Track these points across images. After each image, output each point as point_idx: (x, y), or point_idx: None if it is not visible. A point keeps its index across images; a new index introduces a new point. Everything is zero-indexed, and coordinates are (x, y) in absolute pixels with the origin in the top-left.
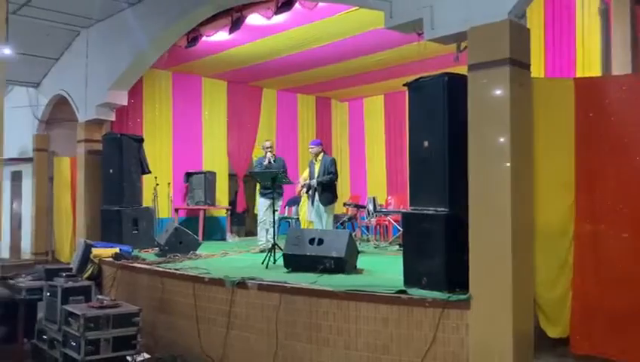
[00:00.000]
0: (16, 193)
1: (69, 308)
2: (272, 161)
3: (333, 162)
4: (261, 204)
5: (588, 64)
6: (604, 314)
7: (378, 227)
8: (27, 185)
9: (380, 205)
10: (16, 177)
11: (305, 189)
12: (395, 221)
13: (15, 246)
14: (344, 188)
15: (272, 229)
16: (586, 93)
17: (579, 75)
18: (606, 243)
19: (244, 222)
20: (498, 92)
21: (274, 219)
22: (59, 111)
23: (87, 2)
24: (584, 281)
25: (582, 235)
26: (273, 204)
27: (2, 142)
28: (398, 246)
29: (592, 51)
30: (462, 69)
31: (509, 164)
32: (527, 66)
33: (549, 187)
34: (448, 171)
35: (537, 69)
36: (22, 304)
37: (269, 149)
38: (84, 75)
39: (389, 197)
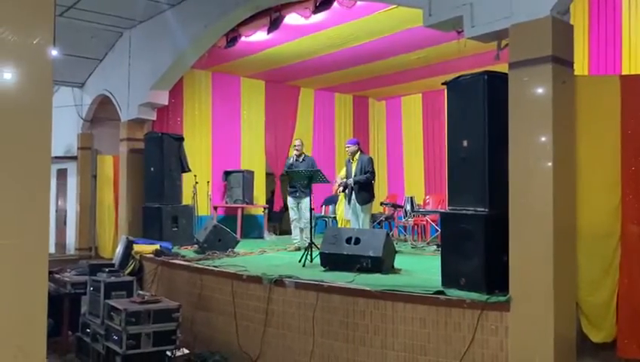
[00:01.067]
0: (61, 190)
1: (111, 302)
2: (295, 160)
3: (371, 161)
4: (289, 202)
5: (635, 61)
6: None
7: (416, 227)
8: (72, 182)
9: (418, 205)
10: (62, 175)
11: (342, 188)
12: (432, 221)
13: (60, 242)
14: (381, 188)
15: (308, 228)
16: (632, 91)
17: (625, 72)
18: None
19: (281, 221)
20: (540, 90)
21: (311, 217)
22: (102, 111)
23: (129, 4)
24: (632, 284)
25: (629, 237)
26: (309, 203)
27: (51, 140)
28: (435, 247)
29: (639, 48)
30: (502, 67)
31: (550, 164)
32: (570, 64)
33: (594, 188)
34: (488, 171)
35: (581, 66)
36: (67, 298)
37: (297, 147)
38: (126, 76)
39: (427, 197)
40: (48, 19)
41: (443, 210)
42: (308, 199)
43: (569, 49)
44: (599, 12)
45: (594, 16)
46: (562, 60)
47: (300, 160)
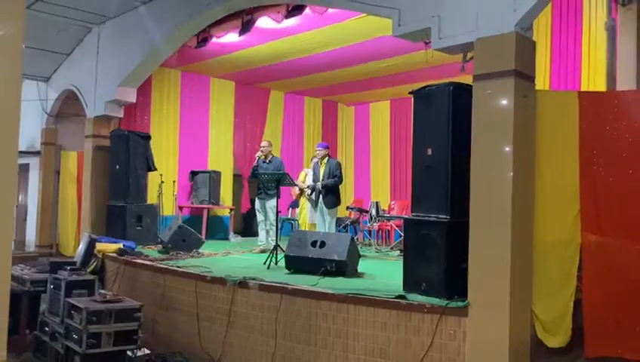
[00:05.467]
0: (22, 186)
1: (72, 301)
2: (262, 161)
3: (339, 166)
4: (258, 205)
5: (593, 78)
6: (616, 320)
7: (380, 232)
8: (34, 178)
9: (383, 210)
10: (23, 170)
11: (308, 191)
12: (397, 226)
13: (20, 239)
14: (348, 192)
15: (273, 230)
16: (590, 107)
17: (584, 88)
18: (614, 254)
19: (246, 223)
20: (502, 103)
21: (277, 220)
22: (68, 106)
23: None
24: (593, 290)
25: (588, 245)
26: (276, 206)
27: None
28: (399, 252)
29: (597, 66)
30: (467, 79)
31: (511, 174)
32: (531, 78)
33: (554, 198)
34: (451, 179)
35: (542, 81)
36: (25, 296)
37: (262, 149)
38: (94, 71)
39: (392, 203)
40: (19, 11)
41: (406, 216)
42: (274, 201)
43: (531, 64)
44: (561, 29)
45: (556, 33)
46: (524, 75)
47: (267, 161)
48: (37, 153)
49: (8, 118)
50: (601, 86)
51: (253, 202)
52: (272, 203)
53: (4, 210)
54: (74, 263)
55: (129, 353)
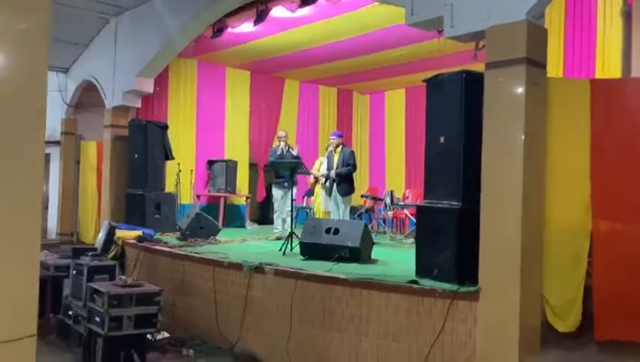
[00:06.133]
0: (44, 175)
1: (94, 285)
2: (285, 150)
3: (353, 154)
4: (275, 193)
5: (608, 65)
6: (626, 305)
7: (395, 220)
8: (54, 167)
9: (398, 198)
10: (44, 160)
11: (322, 180)
12: (411, 214)
13: (42, 227)
14: (362, 180)
15: (289, 218)
16: (602, 94)
17: (598, 76)
18: (624, 240)
19: (263, 211)
20: (513, 90)
21: (292, 207)
22: (87, 97)
23: None
24: (603, 276)
25: (599, 231)
26: (291, 194)
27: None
28: (413, 240)
29: (612, 53)
30: (479, 67)
31: (521, 161)
32: (543, 66)
33: (565, 184)
34: (463, 166)
35: (556, 68)
36: (49, 280)
37: (283, 138)
38: (112, 62)
39: (407, 191)
40: (46, 3)
41: (419, 204)
42: (294, 189)
43: (542, 52)
44: (575, 17)
45: (570, 20)
46: (536, 62)
47: (287, 150)
48: (57, 143)
49: (35, 110)
50: (616, 73)
51: (268, 190)
52: (293, 191)
53: (33, 198)
54: (95, 249)
55: (149, 336)
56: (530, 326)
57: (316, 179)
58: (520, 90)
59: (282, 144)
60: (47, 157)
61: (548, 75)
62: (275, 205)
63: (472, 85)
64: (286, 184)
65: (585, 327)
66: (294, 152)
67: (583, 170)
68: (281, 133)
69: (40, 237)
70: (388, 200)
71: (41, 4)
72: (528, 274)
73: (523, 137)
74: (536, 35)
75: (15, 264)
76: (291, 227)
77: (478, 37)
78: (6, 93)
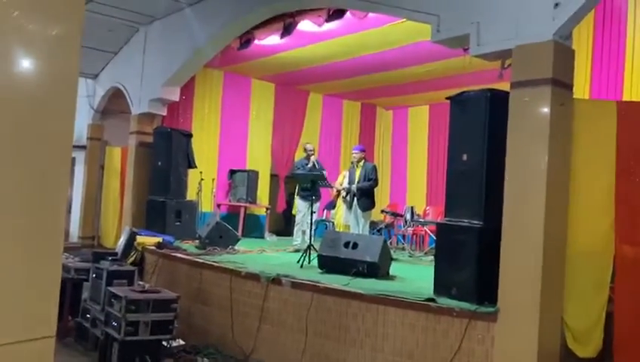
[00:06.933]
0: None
1: (113, 289)
2: (316, 164)
3: (375, 169)
4: (300, 205)
5: (636, 88)
6: None
7: (414, 236)
8: (79, 171)
9: (418, 215)
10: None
11: (343, 193)
12: (431, 231)
13: (64, 230)
14: (383, 196)
15: (309, 230)
16: (628, 117)
17: (626, 98)
18: None
19: (282, 222)
20: (539, 111)
21: (311, 220)
22: (113, 103)
23: (149, 1)
24: (625, 302)
25: (622, 257)
26: (312, 206)
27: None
28: (432, 257)
29: None
30: (505, 86)
31: (545, 182)
32: (569, 87)
33: (588, 207)
34: (485, 185)
35: (582, 89)
36: (69, 283)
37: (312, 152)
38: (140, 70)
39: (428, 208)
40: (79, 10)
41: (440, 221)
42: (317, 203)
43: (569, 72)
44: (603, 38)
45: (598, 42)
46: (562, 83)
47: (314, 164)
48: (83, 147)
49: (65, 115)
50: None
51: (289, 202)
52: (316, 204)
53: (58, 201)
54: (115, 254)
55: (164, 342)
56: (548, 350)
57: (338, 193)
58: (545, 110)
59: (312, 158)
60: (73, 161)
61: (574, 96)
62: (298, 217)
63: (496, 104)
64: (312, 197)
65: (605, 354)
66: (319, 166)
67: (607, 193)
68: (308, 146)
69: (63, 240)
70: (408, 216)
71: (74, 11)
72: (549, 296)
73: (547, 158)
74: (564, 55)
75: (38, 265)
76: (310, 239)
77: (505, 56)
78: (38, 96)
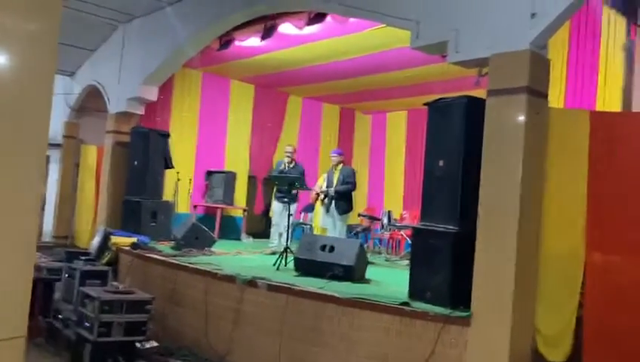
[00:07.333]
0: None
1: (86, 290)
2: (288, 166)
3: (353, 173)
4: (276, 207)
5: (609, 98)
6: (615, 340)
7: (391, 240)
8: (53, 170)
9: (395, 219)
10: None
11: (322, 196)
12: (408, 236)
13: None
14: (360, 200)
15: (286, 233)
16: (600, 126)
17: (599, 108)
18: (617, 273)
19: (260, 224)
20: (514, 118)
21: (288, 223)
22: (90, 101)
23: None
24: (595, 308)
25: (593, 263)
26: (289, 209)
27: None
28: (408, 261)
29: (614, 86)
30: (481, 93)
31: (519, 188)
32: (544, 96)
33: (561, 214)
34: (461, 191)
35: (557, 98)
36: (41, 283)
37: (289, 154)
38: (118, 68)
39: (405, 212)
40: (56, 5)
41: (415, 225)
42: (295, 205)
43: (545, 81)
44: (578, 48)
45: (573, 52)
46: (537, 92)
47: (291, 166)
48: (58, 145)
49: (40, 112)
50: (616, 106)
51: (267, 204)
52: (293, 207)
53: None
54: (89, 254)
55: (137, 344)
56: (520, 353)
57: (317, 195)
58: (521, 118)
59: (286, 160)
60: (47, 159)
61: (549, 105)
62: (274, 219)
63: (473, 111)
64: (286, 199)
65: (575, 358)
66: (299, 168)
67: (579, 200)
68: (287, 148)
69: (36, 239)
70: (385, 221)
71: (51, 7)
72: (521, 301)
73: (522, 165)
74: (539, 64)
75: (9, 264)
76: (287, 242)
77: (482, 64)
78: (12, 93)
